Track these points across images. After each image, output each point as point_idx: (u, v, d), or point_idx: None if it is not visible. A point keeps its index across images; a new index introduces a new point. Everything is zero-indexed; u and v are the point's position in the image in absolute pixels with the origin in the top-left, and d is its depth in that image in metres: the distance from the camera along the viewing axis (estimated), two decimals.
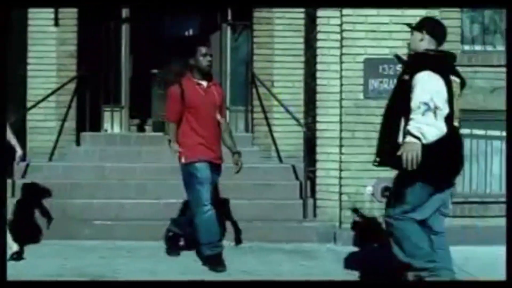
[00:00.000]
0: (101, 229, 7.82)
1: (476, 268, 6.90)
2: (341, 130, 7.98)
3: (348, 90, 7.98)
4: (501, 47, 8.39)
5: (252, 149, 9.09)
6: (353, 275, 6.52)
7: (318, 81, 8.08)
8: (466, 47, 8.34)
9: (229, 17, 10.25)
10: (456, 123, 5.43)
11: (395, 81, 7.83)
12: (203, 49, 6.59)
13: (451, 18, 8.13)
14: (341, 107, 7.99)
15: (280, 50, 8.59)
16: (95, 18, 9.54)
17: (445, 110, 5.15)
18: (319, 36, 8.11)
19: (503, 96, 8.12)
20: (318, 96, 8.08)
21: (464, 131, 8.21)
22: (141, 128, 10.78)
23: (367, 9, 7.90)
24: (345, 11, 7.97)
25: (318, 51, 8.10)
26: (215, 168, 6.68)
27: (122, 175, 8.58)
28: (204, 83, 6.65)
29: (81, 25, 9.38)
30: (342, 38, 7.99)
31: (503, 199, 8.20)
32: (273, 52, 8.63)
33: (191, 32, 10.97)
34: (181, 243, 7.24)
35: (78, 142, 9.44)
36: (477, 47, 8.37)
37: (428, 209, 5.47)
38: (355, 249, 7.66)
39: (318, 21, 8.09)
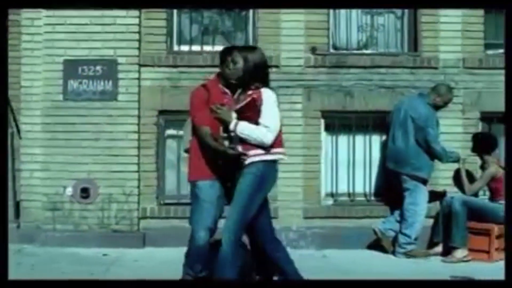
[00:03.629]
0: None
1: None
2: (42, 131, 8.00)
3: (48, 91, 8.01)
4: (219, 47, 8.31)
5: None
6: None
7: (23, 83, 8.09)
8: (176, 48, 8.28)
9: None
10: None
11: (94, 82, 7.92)
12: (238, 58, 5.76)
13: (158, 19, 8.11)
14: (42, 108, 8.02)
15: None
16: None
17: None
18: (23, 37, 8.13)
19: None
20: (23, 97, 8.10)
21: (171, 132, 8.26)
22: None
23: (68, 10, 7.92)
24: (47, 12, 7.99)
25: (23, 53, 8.12)
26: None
27: None
28: (229, 92, 5.81)
29: None
30: (43, 40, 8.02)
31: None
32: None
33: None
34: None
35: None
36: (185, 48, 8.30)
37: None
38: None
39: (23, 22, 8.11)
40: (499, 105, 8.29)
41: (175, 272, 6.10)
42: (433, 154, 7.62)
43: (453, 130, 8.21)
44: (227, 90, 5.80)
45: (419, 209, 7.62)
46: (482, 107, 8.31)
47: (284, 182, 8.12)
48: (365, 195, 8.37)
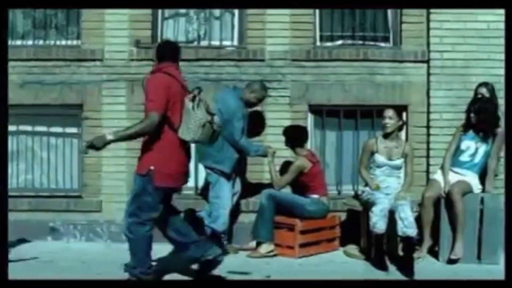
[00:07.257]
0: None
1: None
2: None
3: None
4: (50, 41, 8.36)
5: None
6: None
7: None
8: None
9: None
10: None
11: None
12: None
13: None
14: None
15: None
16: None
17: None
18: None
19: (32, 90, 8.16)
20: None
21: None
22: None
23: None
24: None
25: None
26: None
27: None
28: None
29: None
30: None
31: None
32: None
33: None
34: None
35: None
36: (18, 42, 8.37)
37: None
38: None
39: None
40: (328, 98, 8.20)
41: None
42: (239, 148, 7.52)
43: (281, 124, 8.06)
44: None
45: (222, 202, 7.49)
46: (311, 100, 8.16)
47: (108, 176, 8.20)
48: (194, 189, 8.31)
